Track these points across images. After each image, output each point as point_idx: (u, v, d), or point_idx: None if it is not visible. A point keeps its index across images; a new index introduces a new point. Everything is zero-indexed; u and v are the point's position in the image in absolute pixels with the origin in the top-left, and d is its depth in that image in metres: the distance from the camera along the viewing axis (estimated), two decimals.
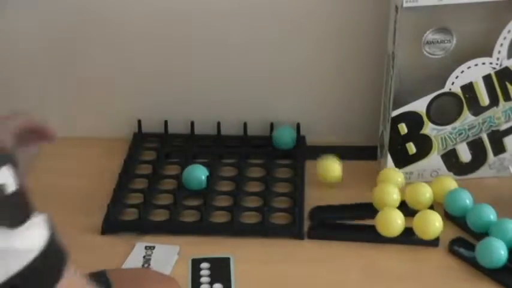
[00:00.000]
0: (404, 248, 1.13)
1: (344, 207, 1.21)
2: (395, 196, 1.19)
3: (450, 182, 1.22)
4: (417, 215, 1.14)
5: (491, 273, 1.07)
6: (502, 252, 1.06)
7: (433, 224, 1.12)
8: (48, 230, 0.67)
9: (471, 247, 1.10)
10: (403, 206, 1.19)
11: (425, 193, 1.19)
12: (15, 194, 0.64)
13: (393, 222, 1.13)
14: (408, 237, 1.13)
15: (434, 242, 1.13)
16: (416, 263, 1.10)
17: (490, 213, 1.14)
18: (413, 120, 1.23)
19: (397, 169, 1.25)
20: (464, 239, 1.13)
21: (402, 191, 1.20)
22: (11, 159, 0.65)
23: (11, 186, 0.64)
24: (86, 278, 0.75)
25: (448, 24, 1.17)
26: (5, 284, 0.63)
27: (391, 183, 1.21)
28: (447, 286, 1.07)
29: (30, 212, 0.66)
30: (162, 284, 0.96)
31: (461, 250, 1.11)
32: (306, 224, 1.17)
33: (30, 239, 0.65)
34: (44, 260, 0.65)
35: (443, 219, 1.14)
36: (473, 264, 1.08)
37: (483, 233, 1.12)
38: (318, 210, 1.19)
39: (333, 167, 1.25)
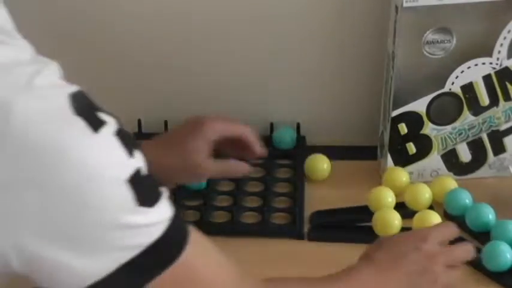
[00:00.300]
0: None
1: (343, 210, 1.21)
2: (390, 199, 1.18)
3: (450, 182, 1.22)
4: (416, 215, 1.14)
5: (492, 274, 1.07)
6: (508, 256, 1.06)
7: (433, 224, 1.12)
8: (171, 203, 0.73)
9: None
10: (403, 207, 1.19)
11: (425, 193, 1.19)
12: (148, 175, 0.69)
13: (391, 222, 1.13)
14: None
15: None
16: None
17: (488, 213, 1.14)
18: (413, 120, 1.23)
19: (401, 168, 1.25)
20: (464, 238, 1.13)
21: (403, 191, 1.20)
22: (137, 143, 0.70)
23: (144, 168, 0.69)
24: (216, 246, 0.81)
25: (448, 24, 1.17)
26: (151, 246, 0.69)
27: (395, 183, 1.22)
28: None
29: (161, 191, 0.71)
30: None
31: None
32: (306, 226, 1.17)
33: (160, 213, 0.71)
34: (172, 230, 0.71)
35: (443, 219, 1.14)
36: (472, 264, 1.08)
37: (482, 233, 1.12)
38: (318, 214, 1.19)
39: (321, 165, 1.26)
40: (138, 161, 0.68)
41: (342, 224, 1.19)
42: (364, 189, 1.23)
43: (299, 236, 1.15)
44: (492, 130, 1.25)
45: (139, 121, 1.37)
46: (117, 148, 0.66)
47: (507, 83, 1.22)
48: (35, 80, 0.64)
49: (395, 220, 1.13)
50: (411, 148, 1.25)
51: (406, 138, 1.24)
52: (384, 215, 1.14)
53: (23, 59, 0.66)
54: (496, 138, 1.26)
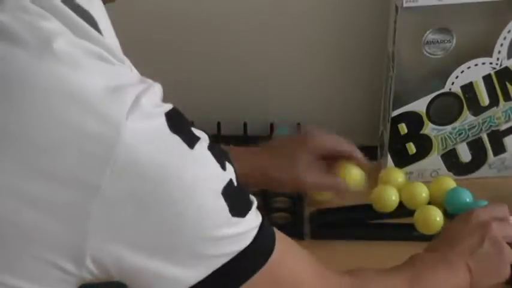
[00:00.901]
0: (405, 245, 1.13)
1: (344, 209, 1.21)
2: (393, 198, 1.19)
3: (449, 182, 1.22)
4: (418, 211, 1.14)
5: None
6: (438, 219, 1.09)
7: (434, 218, 1.13)
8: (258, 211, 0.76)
9: None
10: (401, 207, 1.19)
11: (422, 193, 1.19)
12: (239, 185, 0.72)
13: (432, 218, 1.13)
14: (409, 233, 1.14)
15: (435, 237, 1.13)
16: None
17: None
18: (413, 120, 1.23)
19: (398, 168, 1.25)
20: None
21: (400, 190, 1.20)
22: (228, 155, 0.73)
23: (235, 179, 0.71)
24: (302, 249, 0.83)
25: (448, 24, 1.17)
26: (242, 252, 0.72)
27: (392, 183, 1.21)
28: None
29: (252, 200, 0.74)
30: None
31: None
32: (306, 225, 1.17)
33: (250, 223, 0.73)
34: (260, 238, 0.74)
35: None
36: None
37: None
38: (318, 213, 1.19)
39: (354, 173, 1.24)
40: (229, 173, 0.71)
41: (345, 222, 1.19)
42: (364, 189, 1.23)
43: (299, 236, 1.15)
44: (492, 130, 1.25)
45: None
46: (211, 162, 0.70)
47: (507, 83, 1.22)
48: (141, 100, 0.67)
49: (437, 217, 1.13)
50: (411, 148, 1.25)
51: (406, 138, 1.24)
52: (426, 212, 1.14)
53: (132, 79, 0.71)
54: (496, 138, 1.26)
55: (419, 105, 1.22)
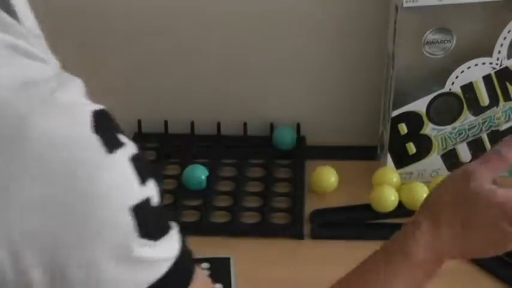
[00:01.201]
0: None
1: (344, 209, 1.21)
2: (393, 198, 1.19)
3: None
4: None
5: (492, 268, 1.08)
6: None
7: None
8: (180, 238, 0.70)
9: None
10: (401, 207, 1.19)
11: (422, 193, 1.19)
12: (159, 206, 0.66)
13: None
14: None
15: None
16: None
17: None
18: (413, 120, 1.23)
19: (393, 168, 1.25)
20: None
21: (399, 190, 1.20)
22: (154, 172, 0.68)
23: (155, 199, 0.66)
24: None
25: (448, 24, 1.17)
26: (156, 283, 0.65)
27: (387, 183, 1.22)
28: (448, 283, 1.07)
29: (170, 225, 0.68)
30: None
31: None
32: (306, 225, 1.17)
33: (167, 250, 0.67)
34: (177, 268, 0.68)
35: None
36: (474, 260, 1.09)
37: None
38: (318, 213, 1.19)
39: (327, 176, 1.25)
40: (149, 191, 0.65)
41: (345, 222, 1.19)
42: (364, 189, 1.24)
43: (299, 236, 1.15)
44: (492, 130, 1.25)
45: (139, 121, 1.37)
46: (127, 173, 0.64)
47: (507, 83, 1.22)
48: (56, 95, 0.63)
49: None
50: (411, 148, 1.25)
51: (406, 138, 1.24)
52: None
53: (47, 74, 0.66)
54: (496, 138, 1.26)
55: (419, 105, 1.22)
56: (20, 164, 0.61)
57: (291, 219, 1.18)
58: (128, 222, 0.63)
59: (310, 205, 1.21)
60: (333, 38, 1.32)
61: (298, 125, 1.36)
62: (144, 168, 0.66)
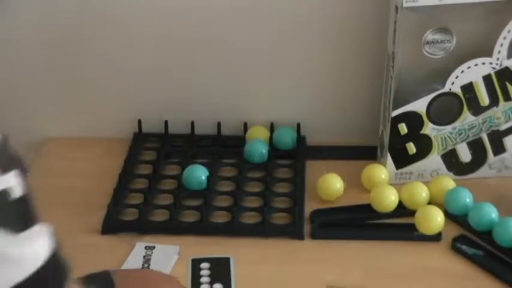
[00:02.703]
0: (405, 245, 1.13)
1: (344, 209, 1.21)
2: (393, 198, 1.19)
3: (448, 182, 1.22)
4: (419, 211, 1.15)
5: (494, 270, 1.08)
6: (439, 219, 1.12)
7: (435, 218, 1.13)
8: (52, 241, 0.66)
9: (474, 245, 1.12)
10: (401, 207, 1.19)
11: (422, 192, 1.19)
12: (20, 200, 0.64)
13: (433, 218, 1.14)
14: (410, 233, 1.14)
15: (436, 237, 1.13)
16: (418, 260, 1.11)
17: (492, 212, 1.14)
18: (413, 120, 1.23)
19: (381, 165, 1.25)
20: (467, 236, 1.14)
21: (399, 190, 1.20)
22: (21, 166, 0.65)
23: (17, 191, 0.63)
24: None
25: (448, 24, 1.17)
26: (22, 284, 0.62)
27: (375, 179, 1.22)
28: (450, 284, 1.07)
29: (34, 221, 0.65)
30: (167, 284, 0.95)
31: (464, 247, 1.11)
32: (306, 225, 1.17)
33: (33, 247, 0.64)
34: (47, 271, 0.65)
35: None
36: (476, 261, 1.09)
37: (485, 232, 1.13)
38: (318, 213, 1.19)
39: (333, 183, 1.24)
40: (7, 183, 0.63)
41: (345, 222, 1.19)
42: (364, 189, 1.24)
43: (299, 236, 1.15)
44: (492, 130, 1.25)
45: (139, 121, 1.37)
46: None
47: (507, 83, 1.22)
48: None
49: (438, 217, 1.14)
50: (411, 148, 1.25)
51: (406, 138, 1.24)
52: (426, 212, 1.14)
53: None
54: (496, 138, 1.26)
55: (419, 105, 1.22)
56: None
57: (291, 219, 1.18)
58: None
59: (310, 205, 1.21)
60: (333, 38, 1.32)
61: (298, 125, 1.36)
62: (7, 158, 0.63)
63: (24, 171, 0.65)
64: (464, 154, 1.27)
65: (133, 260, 1.10)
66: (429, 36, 1.18)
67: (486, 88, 1.22)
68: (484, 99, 1.23)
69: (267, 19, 1.31)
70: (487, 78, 1.22)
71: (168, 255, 1.11)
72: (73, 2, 1.31)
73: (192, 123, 1.37)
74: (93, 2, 1.30)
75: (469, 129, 1.25)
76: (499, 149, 1.27)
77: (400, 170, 1.26)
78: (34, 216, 0.65)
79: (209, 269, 1.08)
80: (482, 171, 1.28)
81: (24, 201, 0.64)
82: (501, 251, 1.11)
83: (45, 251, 0.64)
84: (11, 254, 0.62)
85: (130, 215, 1.19)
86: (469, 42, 1.19)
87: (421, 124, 1.23)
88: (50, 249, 0.65)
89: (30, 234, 0.64)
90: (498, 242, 1.11)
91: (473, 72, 1.21)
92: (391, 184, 1.23)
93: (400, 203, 1.20)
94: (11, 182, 0.63)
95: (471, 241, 1.13)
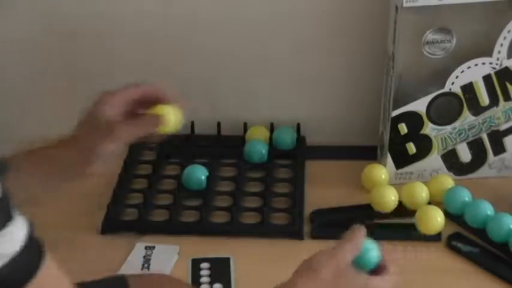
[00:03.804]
0: (405, 245, 1.13)
1: (344, 209, 1.21)
2: (393, 198, 1.19)
3: (447, 181, 1.22)
4: (419, 211, 1.15)
5: (491, 267, 1.08)
6: (439, 219, 1.12)
7: (435, 218, 1.13)
8: (25, 231, 0.69)
9: (469, 242, 1.12)
10: (401, 207, 1.19)
11: (421, 192, 1.19)
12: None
13: (433, 218, 1.14)
14: (410, 233, 1.14)
15: (436, 237, 1.13)
16: (418, 259, 1.11)
17: (487, 209, 1.14)
18: (413, 120, 1.23)
19: (381, 166, 1.25)
20: (462, 234, 1.14)
21: (399, 190, 1.20)
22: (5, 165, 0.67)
23: None
24: (68, 279, 0.75)
25: (448, 24, 1.17)
26: None
27: (375, 179, 1.22)
28: (449, 281, 1.08)
29: (8, 220, 0.67)
30: None
31: (459, 245, 1.12)
32: (306, 225, 1.17)
33: (8, 242, 0.67)
34: (22, 258, 0.68)
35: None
36: (471, 258, 1.10)
37: (481, 229, 1.13)
38: (318, 213, 1.19)
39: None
40: None
41: (345, 222, 1.19)
42: (364, 189, 1.24)
43: (299, 236, 1.15)
44: (492, 130, 1.25)
45: None
46: None
47: (507, 83, 1.22)
48: None
49: (438, 217, 1.14)
50: (411, 148, 1.25)
51: (406, 138, 1.24)
52: (426, 212, 1.14)
53: None
54: (496, 138, 1.26)
55: (419, 105, 1.22)
56: None
57: (291, 219, 1.18)
58: None
59: (310, 205, 1.21)
60: (333, 38, 1.32)
61: (298, 125, 1.36)
62: None
63: (2, 171, 0.67)
64: (464, 154, 1.27)
65: (133, 260, 1.10)
66: (429, 36, 1.18)
67: (486, 88, 1.22)
68: (484, 99, 1.23)
69: (267, 20, 1.31)
70: (487, 78, 1.22)
71: (168, 255, 1.11)
72: (74, 3, 1.30)
73: (192, 123, 1.37)
74: (94, 3, 1.30)
75: (469, 129, 1.25)
76: (499, 149, 1.27)
77: (400, 170, 1.26)
78: (10, 214, 0.67)
79: (209, 269, 1.08)
80: (482, 171, 1.28)
81: (1, 202, 0.67)
82: (496, 246, 1.11)
83: (12, 248, 0.67)
84: None
85: (130, 215, 1.19)
86: (469, 42, 1.19)
87: (421, 124, 1.23)
88: (18, 245, 0.68)
89: (6, 232, 0.66)
90: (492, 238, 1.12)
91: (473, 72, 1.21)
92: (391, 184, 1.23)
93: (400, 203, 1.20)
94: None
95: (466, 238, 1.13)
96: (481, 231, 1.13)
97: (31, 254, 0.69)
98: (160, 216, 1.19)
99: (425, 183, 1.22)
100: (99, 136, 0.98)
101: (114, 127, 0.98)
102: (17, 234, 0.68)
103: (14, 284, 0.68)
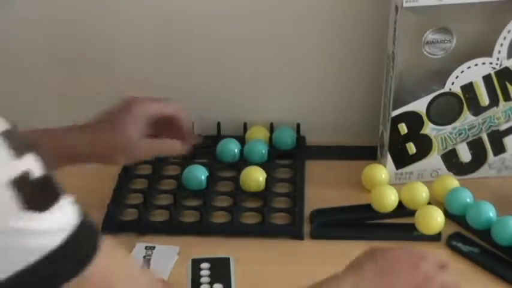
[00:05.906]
0: (405, 245, 1.13)
1: (344, 209, 1.21)
2: (393, 198, 1.19)
3: (451, 181, 1.22)
4: (419, 211, 1.15)
5: (491, 267, 1.08)
6: (439, 219, 1.12)
7: (435, 218, 1.13)
8: (77, 210, 0.71)
9: (469, 242, 1.12)
10: (401, 207, 1.19)
11: (422, 192, 1.19)
12: (40, 179, 0.67)
13: (433, 218, 1.14)
14: (410, 233, 1.14)
15: (436, 237, 1.13)
16: None
17: (489, 211, 1.14)
18: (413, 120, 1.23)
19: (381, 166, 1.25)
20: (462, 234, 1.14)
21: (399, 190, 1.20)
22: (35, 147, 0.69)
23: (36, 172, 0.67)
24: (131, 256, 0.79)
25: (448, 24, 1.17)
26: (38, 262, 0.67)
27: (375, 179, 1.22)
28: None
29: (58, 196, 0.69)
30: None
31: (459, 245, 1.12)
32: (306, 225, 1.17)
33: (59, 221, 0.68)
34: (77, 238, 0.69)
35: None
36: (471, 258, 1.10)
37: (483, 230, 1.13)
38: (318, 213, 1.19)
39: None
40: (27, 164, 0.67)
41: (345, 222, 1.19)
42: (364, 189, 1.24)
43: (299, 236, 1.15)
44: (492, 130, 1.25)
45: None
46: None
47: (507, 83, 1.22)
48: None
49: (438, 217, 1.14)
50: (411, 148, 1.25)
51: (406, 138, 1.24)
52: (426, 212, 1.14)
53: None
54: (496, 138, 1.26)
55: (419, 105, 1.22)
56: None
57: (291, 219, 1.18)
58: (9, 196, 0.65)
59: (310, 205, 1.21)
60: (333, 38, 1.32)
61: (298, 125, 1.36)
62: (19, 142, 0.67)
63: (35, 150, 0.69)
64: (464, 154, 1.27)
65: None
66: (429, 36, 1.18)
67: (486, 88, 1.22)
68: (484, 99, 1.23)
69: (267, 20, 1.31)
70: (487, 78, 1.22)
71: (168, 255, 1.11)
72: (74, 3, 1.30)
73: (192, 124, 1.36)
74: (94, 3, 1.30)
75: (469, 129, 1.25)
76: (499, 149, 1.27)
77: (400, 170, 1.26)
78: (57, 193, 0.69)
79: (209, 269, 1.08)
80: (482, 171, 1.28)
81: (44, 180, 0.68)
82: (499, 249, 1.11)
83: (72, 221, 0.69)
84: (39, 229, 0.67)
85: (130, 215, 1.19)
86: (469, 42, 1.19)
87: (421, 124, 1.23)
88: (78, 219, 0.70)
89: (55, 210, 0.68)
90: (497, 241, 1.11)
91: (473, 72, 1.21)
92: (391, 184, 1.23)
93: (400, 203, 1.20)
94: (29, 164, 0.67)
95: (466, 239, 1.13)
96: (483, 233, 1.13)
97: (90, 227, 0.72)
98: (160, 216, 1.19)
99: (426, 183, 1.22)
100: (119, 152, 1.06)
101: (133, 148, 1.06)
102: (72, 207, 0.70)
103: (83, 258, 0.70)
